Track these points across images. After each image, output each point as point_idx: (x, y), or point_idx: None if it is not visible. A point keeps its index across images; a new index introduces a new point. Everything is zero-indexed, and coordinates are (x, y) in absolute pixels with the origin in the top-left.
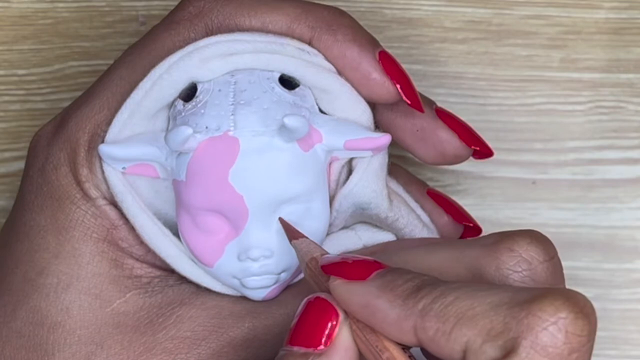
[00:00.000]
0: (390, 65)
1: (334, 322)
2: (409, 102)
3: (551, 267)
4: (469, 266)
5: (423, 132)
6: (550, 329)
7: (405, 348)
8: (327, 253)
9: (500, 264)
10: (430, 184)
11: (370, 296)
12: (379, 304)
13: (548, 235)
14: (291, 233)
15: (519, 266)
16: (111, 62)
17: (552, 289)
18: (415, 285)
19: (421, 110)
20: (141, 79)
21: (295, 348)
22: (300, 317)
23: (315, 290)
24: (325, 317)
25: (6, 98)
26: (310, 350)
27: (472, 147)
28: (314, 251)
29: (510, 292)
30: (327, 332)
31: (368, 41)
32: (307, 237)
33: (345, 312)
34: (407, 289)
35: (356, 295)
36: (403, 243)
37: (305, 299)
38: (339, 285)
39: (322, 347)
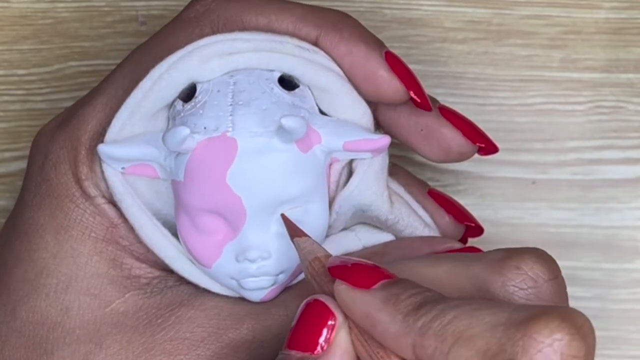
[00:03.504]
0: (397, 65)
1: (332, 326)
2: (418, 100)
3: (555, 286)
4: (475, 280)
5: (427, 131)
6: (545, 351)
7: None
8: (330, 254)
9: (506, 281)
10: (430, 183)
11: (372, 308)
12: (380, 317)
13: (548, 235)
14: (293, 230)
15: (524, 284)
16: (111, 62)
17: (549, 309)
18: (418, 301)
19: (430, 109)
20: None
21: (293, 352)
22: (298, 321)
23: (315, 289)
24: (322, 321)
25: (6, 98)
26: (307, 354)
27: (477, 143)
28: (317, 251)
29: (507, 311)
30: (324, 336)
31: (374, 41)
32: (309, 236)
33: (346, 315)
34: (409, 304)
35: (359, 305)
36: (403, 242)
37: (304, 302)
38: (343, 290)
39: (319, 351)
